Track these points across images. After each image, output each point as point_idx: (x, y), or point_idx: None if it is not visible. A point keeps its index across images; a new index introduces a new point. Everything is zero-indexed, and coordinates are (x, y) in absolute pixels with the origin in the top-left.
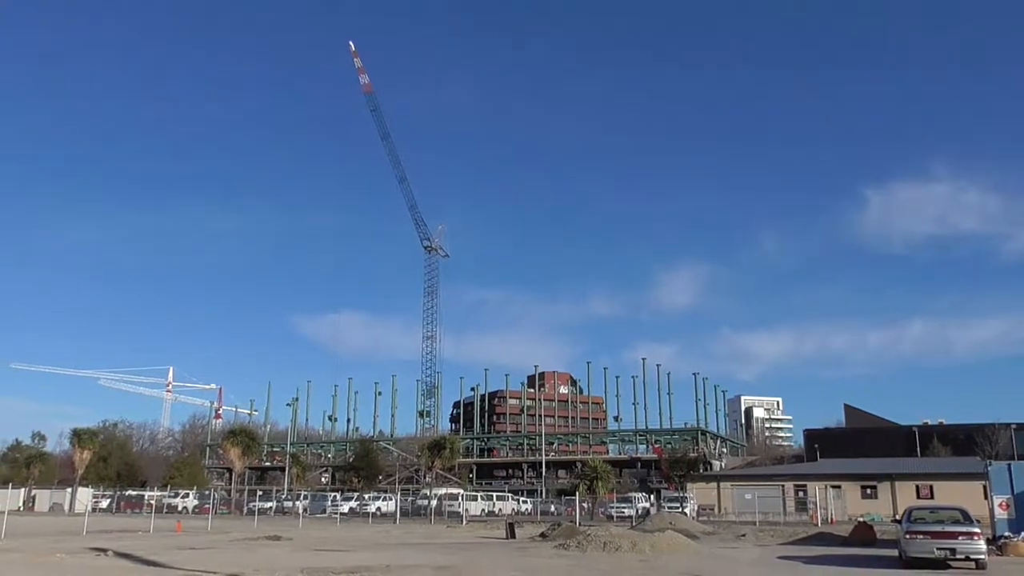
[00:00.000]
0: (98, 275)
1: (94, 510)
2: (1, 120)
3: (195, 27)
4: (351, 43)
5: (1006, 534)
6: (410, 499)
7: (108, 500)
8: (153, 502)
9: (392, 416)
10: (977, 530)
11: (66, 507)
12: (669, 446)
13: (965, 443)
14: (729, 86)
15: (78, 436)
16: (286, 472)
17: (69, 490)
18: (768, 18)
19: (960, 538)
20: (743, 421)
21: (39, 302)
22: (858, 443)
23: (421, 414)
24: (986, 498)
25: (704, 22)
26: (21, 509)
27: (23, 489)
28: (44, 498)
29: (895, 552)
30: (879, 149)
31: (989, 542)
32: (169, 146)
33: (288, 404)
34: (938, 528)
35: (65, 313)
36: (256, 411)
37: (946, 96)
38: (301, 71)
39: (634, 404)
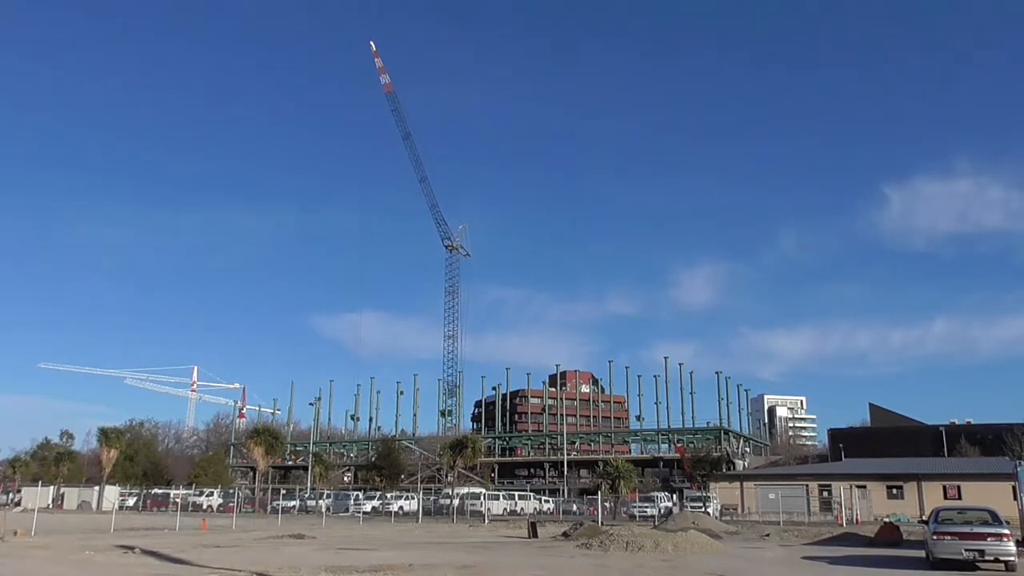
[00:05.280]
0: (123, 275)
1: (121, 508)
2: (29, 120)
3: (217, 28)
4: (372, 43)
5: None
6: (432, 498)
7: (134, 498)
8: (178, 500)
9: (414, 415)
10: (1006, 531)
11: (94, 505)
12: (692, 445)
13: (993, 443)
14: (748, 83)
15: (105, 435)
16: (309, 471)
17: (97, 488)
18: (788, 14)
19: (989, 539)
20: (766, 420)
21: (65, 302)
22: (883, 443)
23: (443, 413)
24: (1015, 499)
25: (723, 19)
26: (50, 507)
27: (52, 487)
28: (72, 496)
29: (922, 553)
30: (900, 145)
31: (1019, 543)
32: (192, 147)
33: (311, 403)
34: (966, 529)
35: (91, 313)
36: (279, 410)
37: (969, 91)
38: (323, 71)
39: (656, 403)
